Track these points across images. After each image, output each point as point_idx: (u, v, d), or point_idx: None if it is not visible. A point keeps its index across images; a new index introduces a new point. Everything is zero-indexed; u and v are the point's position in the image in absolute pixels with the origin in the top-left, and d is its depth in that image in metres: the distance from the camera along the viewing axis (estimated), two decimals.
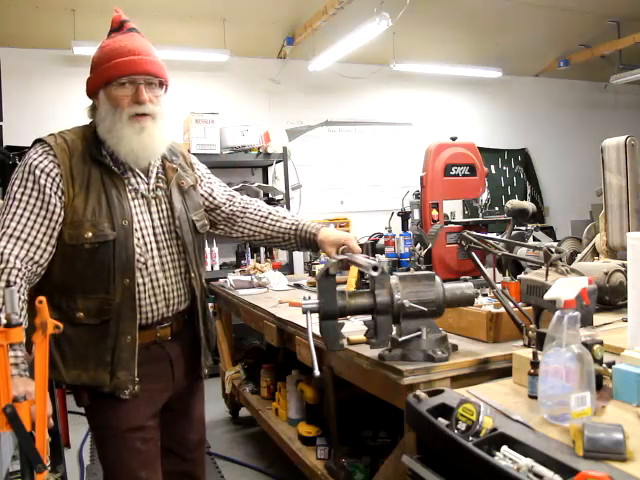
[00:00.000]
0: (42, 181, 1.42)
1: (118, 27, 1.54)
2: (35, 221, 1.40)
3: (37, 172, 1.42)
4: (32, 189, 1.41)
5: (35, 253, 1.39)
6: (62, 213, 1.43)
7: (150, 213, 1.55)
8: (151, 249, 1.53)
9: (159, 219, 1.56)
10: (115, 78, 1.46)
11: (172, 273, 1.57)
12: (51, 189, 1.42)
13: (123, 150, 1.49)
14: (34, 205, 1.41)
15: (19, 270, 1.34)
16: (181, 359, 1.64)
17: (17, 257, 1.35)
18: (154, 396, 1.57)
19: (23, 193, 1.41)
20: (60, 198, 1.43)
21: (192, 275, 1.61)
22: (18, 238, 1.38)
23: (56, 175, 1.43)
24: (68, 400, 3.12)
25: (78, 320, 1.45)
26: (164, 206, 1.58)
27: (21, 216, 1.39)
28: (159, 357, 1.58)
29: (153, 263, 1.53)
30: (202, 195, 1.75)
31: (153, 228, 1.55)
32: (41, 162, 1.44)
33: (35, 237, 1.40)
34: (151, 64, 1.48)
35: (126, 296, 1.47)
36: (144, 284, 1.51)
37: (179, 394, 1.67)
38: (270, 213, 1.83)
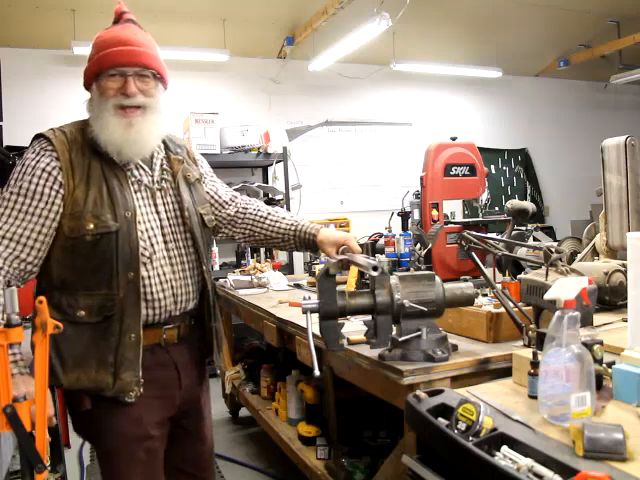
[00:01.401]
0: (35, 179, 1.38)
1: (117, 19, 1.50)
2: (23, 219, 1.37)
3: (33, 170, 1.39)
4: (24, 188, 1.38)
5: (22, 251, 1.37)
6: (60, 209, 1.39)
7: (155, 205, 1.51)
8: (157, 242, 1.48)
9: (165, 212, 1.52)
10: (105, 69, 1.41)
11: (180, 268, 1.52)
12: (45, 185, 1.38)
13: (103, 138, 1.43)
14: (22, 203, 1.37)
15: (0, 269, 1.34)
16: (188, 366, 1.58)
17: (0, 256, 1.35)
18: (160, 404, 1.50)
19: (12, 192, 1.39)
20: (57, 192, 1.39)
21: (204, 268, 1.57)
22: (3, 237, 1.35)
23: (53, 169, 1.39)
24: None
25: (79, 319, 1.40)
26: (170, 198, 1.55)
27: (9, 216, 1.37)
28: (164, 363, 1.52)
29: (159, 257, 1.48)
30: (208, 193, 1.72)
31: (160, 221, 1.50)
32: (38, 161, 1.40)
33: (21, 235, 1.37)
34: (143, 55, 1.42)
35: (130, 290, 1.41)
36: (149, 278, 1.45)
37: (189, 411, 1.61)
38: (269, 213, 1.80)
